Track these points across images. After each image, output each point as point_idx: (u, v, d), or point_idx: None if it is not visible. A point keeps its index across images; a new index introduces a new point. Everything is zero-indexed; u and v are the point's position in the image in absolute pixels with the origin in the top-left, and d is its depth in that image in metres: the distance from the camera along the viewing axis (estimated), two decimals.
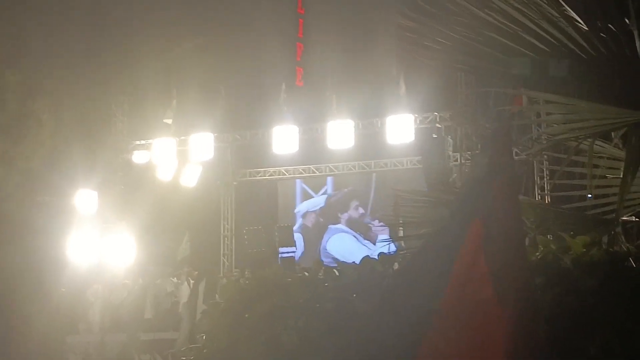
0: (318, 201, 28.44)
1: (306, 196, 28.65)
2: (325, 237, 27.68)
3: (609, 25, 5.57)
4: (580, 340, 5.46)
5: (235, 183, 28.32)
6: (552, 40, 5.67)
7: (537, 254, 6.19)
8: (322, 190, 28.42)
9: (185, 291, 23.96)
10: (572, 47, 5.66)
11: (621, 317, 5.46)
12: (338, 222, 27.75)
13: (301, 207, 28.62)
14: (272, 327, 6.45)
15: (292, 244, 25.62)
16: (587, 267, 5.81)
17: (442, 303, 4.57)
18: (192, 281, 24.26)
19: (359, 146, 24.65)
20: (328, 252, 26.98)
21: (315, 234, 27.96)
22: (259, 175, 28.43)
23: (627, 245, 6.55)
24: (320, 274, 7.36)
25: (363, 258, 6.69)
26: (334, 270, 7.03)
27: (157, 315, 23.37)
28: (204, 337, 7.27)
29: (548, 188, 20.84)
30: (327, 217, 28.05)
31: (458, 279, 4.53)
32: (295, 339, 6.30)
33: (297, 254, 26.64)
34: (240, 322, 6.64)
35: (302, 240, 27.32)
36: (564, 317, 5.46)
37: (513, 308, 4.38)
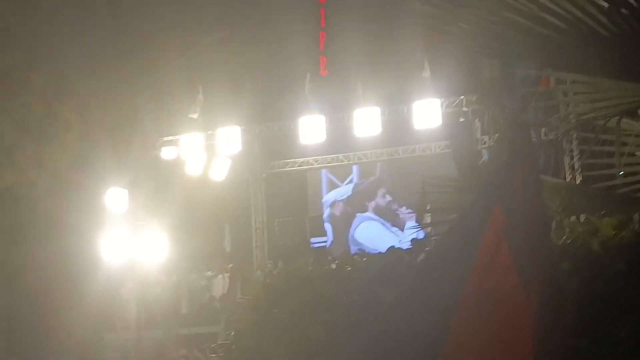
0: (345, 190, 28.45)
1: (332, 186, 28.67)
2: (354, 225, 27.69)
3: (630, 1, 5.50)
4: (609, 325, 5.41)
5: (264, 175, 28.34)
6: (572, 18, 5.61)
7: (565, 237, 6.14)
8: (348, 179, 28.43)
9: (219, 284, 24.09)
10: (593, 24, 5.59)
11: None
12: (366, 211, 27.75)
13: (328, 196, 28.64)
14: (299, 322, 6.45)
15: (323, 233, 25.65)
16: (615, 251, 5.75)
17: (466, 292, 4.55)
18: (226, 274, 24.38)
19: (386, 133, 24.58)
20: (357, 240, 27.00)
21: (344, 223, 27.97)
22: (288, 166, 28.43)
23: None
24: (347, 267, 7.32)
25: (389, 248, 6.66)
26: (361, 261, 7.01)
27: (192, 309, 23.50)
28: (232, 334, 7.27)
29: (578, 167, 20.71)
30: (355, 205, 28.04)
31: (481, 268, 4.51)
32: (323, 334, 6.29)
33: (327, 244, 26.67)
34: (267, 318, 6.64)
35: (331, 229, 27.36)
36: (592, 302, 5.41)
37: (539, 295, 4.34)
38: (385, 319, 5.11)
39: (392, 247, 6.96)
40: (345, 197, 28.37)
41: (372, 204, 27.73)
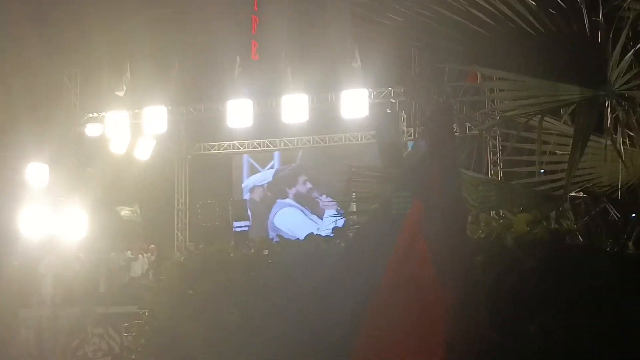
0: (266, 175, 28.46)
1: (253, 170, 28.68)
2: (273, 211, 27.75)
3: (558, 1, 5.60)
4: (520, 319, 5.51)
5: (189, 157, 28.24)
6: (501, 17, 5.70)
7: (480, 232, 6.22)
8: (269, 165, 28.46)
9: (138, 265, 23.90)
10: (522, 23, 5.69)
11: (560, 297, 5.51)
12: (286, 197, 27.80)
13: (248, 181, 28.65)
14: (215, 306, 6.43)
15: (246, 217, 25.58)
16: (528, 246, 5.85)
17: (383, 282, 4.59)
18: (145, 255, 24.19)
19: (313, 121, 24.64)
20: (276, 227, 27.06)
21: (264, 208, 27.99)
22: (213, 149, 28.36)
23: (569, 223, 6.62)
24: (265, 251, 7.32)
25: (307, 235, 6.67)
26: (279, 246, 7.02)
27: (110, 289, 23.27)
28: (146, 313, 7.23)
29: (500, 164, 21.00)
30: (275, 191, 28.09)
31: (399, 258, 4.56)
32: (239, 318, 6.29)
33: (248, 228, 26.64)
34: (183, 300, 6.62)
35: (249, 214, 27.33)
36: (504, 296, 5.50)
37: (453, 287, 4.41)
38: (303, 306, 5.14)
39: (311, 234, 6.97)
40: (265, 182, 28.39)
41: (292, 191, 27.79)
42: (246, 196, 28.17)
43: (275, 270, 6.39)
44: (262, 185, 28.37)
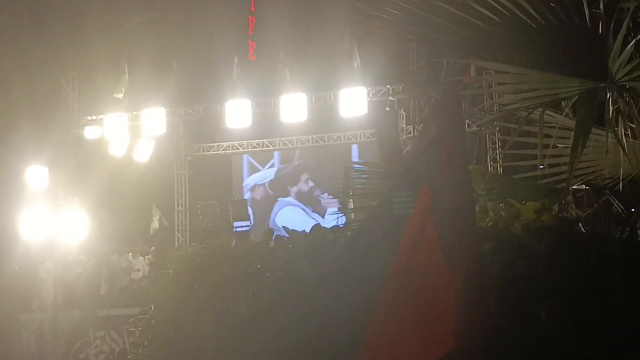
0: (267, 174, 28.44)
1: (253, 170, 28.68)
2: (275, 210, 27.73)
3: None
4: (530, 306, 5.49)
5: (188, 158, 28.23)
6: (501, 9, 5.67)
7: (488, 220, 6.21)
8: (269, 164, 28.43)
9: (140, 267, 23.88)
10: (522, 16, 5.66)
11: (570, 283, 5.49)
12: (288, 195, 27.79)
13: (249, 180, 28.61)
14: (221, 298, 6.42)
15: (247, 217, 25.56)
16: (537, 233, 5.83)
17: (393, 270, 4.57)
18: (147, 257, 24.18)
19: (313, 120, 24.64)
20: (277, 225, 27.00)
21: (265, 207, 27.97)
22: (212, 149, 28.36)
23: (577, 211, 6.60)
24: (271, 243, 7.32)
25: (314, 226, 6.66)
26: (285, 238, 7.01)
27: (111, 291, 23.25)
28: (152, 308, 7.21)
29: (500, 159, 21.00)
30: (277, 190, 28.07)
31: (407, 245, 4.54)
32: (246, 309, 6.27)
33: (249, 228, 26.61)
34: (189, 293, 6.61)
35: (251, 213, 27.30)
36: (513, 283, 5.48)
37: (463, 274, 4.39)
38: (311, 297, 5.11)
39: (317, 224, 6.96)
40: (267, 181, 28.36)
41: (294, 189, 27.78)
42: (247, 195, 28.17)
43: (282, 262, 6.37)
44: (263, 184, 28.37)
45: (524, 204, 6.40)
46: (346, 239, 6.19)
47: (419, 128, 22.60)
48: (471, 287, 4.38)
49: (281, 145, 27.47)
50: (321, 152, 27.37)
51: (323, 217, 26.43)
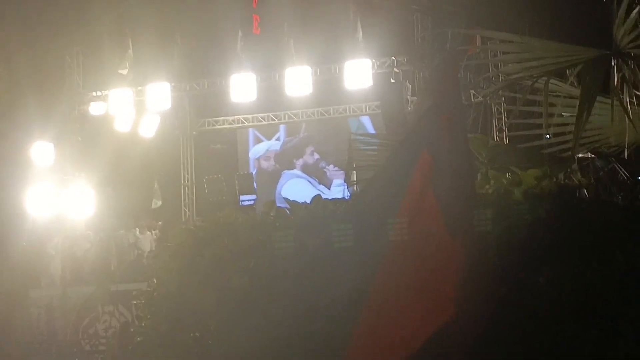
0: (272, 145, 28.45)
1: (259, 143, 28.67)
2: (280, 182, 27.77)
3: None
4: (529, 271, 5.49)
5: (194, 133, 28.24)
6: None
7: (488, 187, 6.21)
8: (275, 137, 28.43)
9: (147, 241, 23.95)
10: None
11: (571, 247, 5.50)
12: (293, 168, 27.80)
13: (255, 150, 28.60)
14: (223, 270, 6.43)
15: (253, 191, 25.59)
16: (537, 199, 5.83)
17: (392, 237, 4.59)
18: (154, 231, 24.25)
19: (317, 92, 24.60)
20: (283, 198, 27.02)
21: (271, 179, 27.99)
22: (218, 124, 28.36)
23: (578, 178, 6.60)
24: (272, 214, 7.33)
25: (314, 197, 6.66)
26: (286, 210, 7.02)
27: (119, 266, 23.34)
28: (155, 280, 7.24)
29: (505, 128, 20.97)
30: (283, 162, 28.07)
31: (408, 210, 4.55)
32: (247, 281, 6.29)
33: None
34: (191, 265, 6.62)
35: (255, 187, 27.33)
36: (513, 249, 5.48)
37: (462, 238, 4.40)
38: (311, 265, 5.13)
39: (318, 195, 6.95)
40: (272, 152, 28.36)
41: (299, 162, 27.78)
42: (253, 164, 28.19)
43: (282, 233, 6.37)
44: (269, 154, 28.36)
45: (527, 170, 6.39)
46: (345, 208, 6.19)
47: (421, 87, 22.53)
48: (471, 254, 4.39)
49: (286, 118, 27.45)
50: (327, 124, 27.35)
51: (329, 189, 26.47)
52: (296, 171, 27.75)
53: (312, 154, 27.69)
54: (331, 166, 26.96)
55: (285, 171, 27.91)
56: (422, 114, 4.70)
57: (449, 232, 4.40)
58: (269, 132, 28.48)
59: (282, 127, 28.27)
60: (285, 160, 28.05)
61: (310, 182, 27.38)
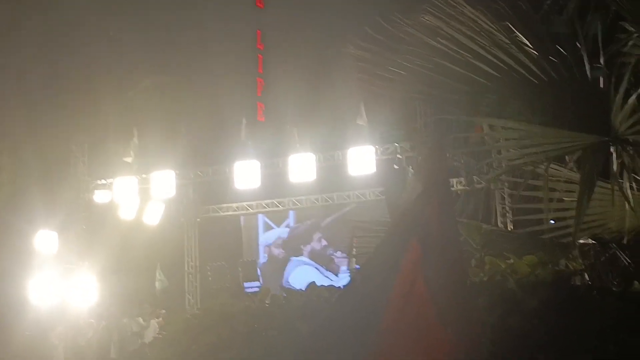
0: (281, 232, 28.48)
1: (269, 229, 28.69)
2: (288, 269, 27.71)
3: (559, 49, 5.64)
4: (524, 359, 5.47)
5: (198, 220, 28.26)
6: (504, 67, 5.73)
7: (482, 274, 6.21)
8: (285, 223, 28.49)
9: (151, 330, 23.77)
10: (524, 72, 5.72)
11: (567, 336, 5.47)
12: (301, 254, 27.77)
13: (265, 237, 28.62)
14: (216, 358, 6.42)
15: (256, 278, 25.57)
16: (530, 288, 5.83)
17: (384, 324, 4.57)
18: (157, 320, 24.08)
19: (321, 179, 24.68)
20: (291, 285, 26.93)
21: (278, 266, 27.94)
22: (222, 211, 28.40)
23: (574, 264, 6.60)
24: (267, 302, 7.35)
25: (309, 284, 6.69)
26: (282, 297, 7.04)
27: (121, 355, 23.13)
28: None
29: (508, 213, 20.97)
30: (290, 249, 28.07)
31: (399, 299, 4.53)
32: None
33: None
34: (185, 353, 6.61)
35: (259, 275, 27.33)
36: (507, 337, 5.46)
37: (454, 328, 4.38)
38: (304, 350, 5.09)
39: (313, 283, 6.96)
40: (280, 240, 28.39)
41: (307, 248, 27.78)
42: (264, 251, 28.17)
43: (277, 320, 6.38)
44: (277, 242, 28.40)
45: (522, 258, 6.41)
46: (338, 295, 6.18)
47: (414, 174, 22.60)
48: (464, 341, 4.37)
49: (290, 205, 27.51)
50: (334, 210, 27.42)
51: (337, 276, 26.41)
52: (303, 258, 27.74)
53: (319, 240, 27.71)
54: (339, 252, 26.95)
55: (292, 257, 27.89)
56: (412, 200, 4.72)
57: (440, 321, 4.38)
58: (278, 219, 28.54)
59: (291, 213, 28.34)
60: (292, 246, 28.07)
61: (318, 269, 27.33)
